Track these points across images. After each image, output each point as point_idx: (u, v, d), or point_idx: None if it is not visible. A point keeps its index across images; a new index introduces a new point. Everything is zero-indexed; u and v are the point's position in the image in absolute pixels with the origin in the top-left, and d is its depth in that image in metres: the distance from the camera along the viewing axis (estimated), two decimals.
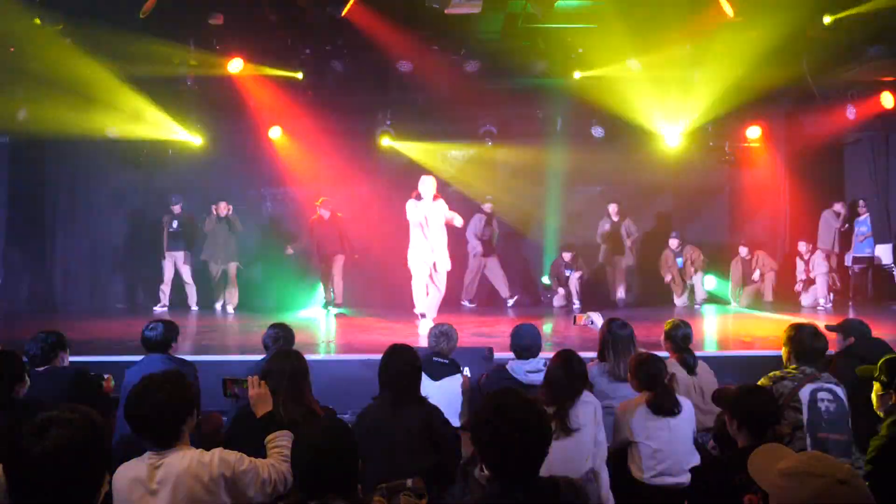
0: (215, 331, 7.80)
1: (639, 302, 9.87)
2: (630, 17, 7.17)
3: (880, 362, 3.19)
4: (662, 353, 4.20)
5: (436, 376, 4.05)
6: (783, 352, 3.69)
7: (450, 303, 8.11)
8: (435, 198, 7.30)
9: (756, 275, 9.88)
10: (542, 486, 2.08)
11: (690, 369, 4.20)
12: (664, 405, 3.51)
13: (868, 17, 6.79)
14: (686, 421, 3.56)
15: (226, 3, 6.64)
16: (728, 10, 6.34)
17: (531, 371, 4.05)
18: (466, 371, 4.35)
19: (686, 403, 3.63)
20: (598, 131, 9.75)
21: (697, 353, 4.39)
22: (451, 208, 7.28)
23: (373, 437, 3.13)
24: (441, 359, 4.26)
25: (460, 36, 7.51)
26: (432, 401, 3.45)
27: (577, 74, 7.95)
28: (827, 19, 6.59)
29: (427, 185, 7.27)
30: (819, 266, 9.70)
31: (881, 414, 3.13)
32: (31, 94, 8.15)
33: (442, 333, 4.44)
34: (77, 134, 8.87)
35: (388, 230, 10.25)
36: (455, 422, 3.83)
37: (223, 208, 9.43)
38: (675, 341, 4.34)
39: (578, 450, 3.30)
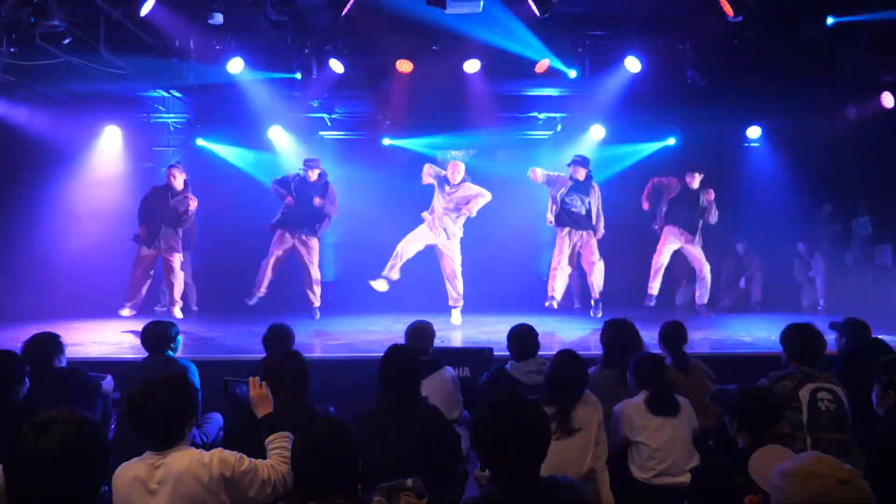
0: (216, 331, 7.80)
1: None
2: None
3: (880, 362, 3.20)
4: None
5: (421, 374, 4.02)
6: (782, 352, 3.70)
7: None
8: (460, 182, 7.68)
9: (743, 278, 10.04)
10: (543, 487, 2.09)
11: (683, 369, 4.20)
12: (663, 405, 3.52)
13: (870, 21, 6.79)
14: (686, 421, 3.57)
15: (226, 3, 6.63)
16: (729, 9, 6.33)
17: (531, 371, 4.05)
18: (462, 371, 4.33)
19: (685, 403, 3.63)
20: (598, 130, 9.77)
21: (697, 353, 4.40)
22: None
23: (373, 437, 3.12)
24: (421, 356, 4.22)
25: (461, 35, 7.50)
26: None
27: (576, 73, 7.93)
28: (830, 20, 6.57)
29: (454, 169, 7.70)
30: (819, 266, 9.71)
31: (881, 414, 3.13)
32: None
33: (414, 330, 4.42)
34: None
35: (388, 230, 10.26)
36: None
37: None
38: (668, 341, 4.35)
39: (579, 450, 3.30)
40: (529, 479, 2.07)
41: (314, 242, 7.94)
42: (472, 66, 7.79)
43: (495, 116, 9.60)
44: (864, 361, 3.86)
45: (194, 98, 9.21)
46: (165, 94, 9.06)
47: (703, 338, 6.67)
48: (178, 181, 7.74)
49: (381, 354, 3.40)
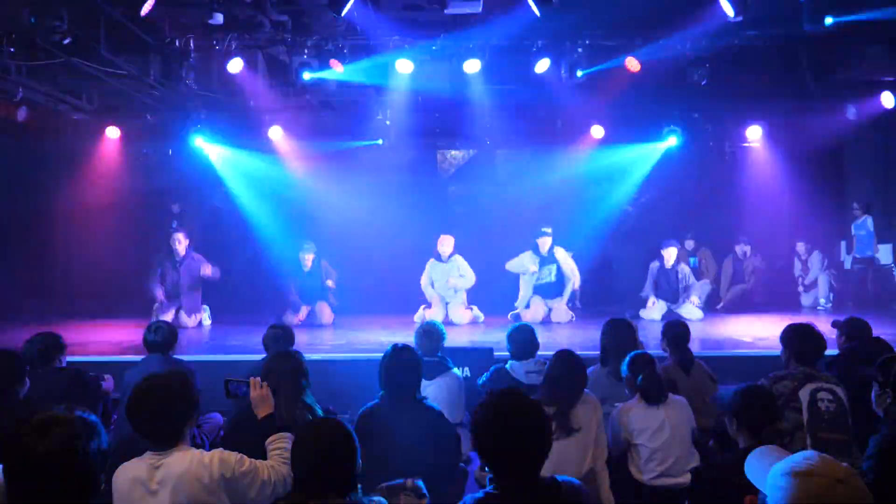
0: (216, 331, 7.82)
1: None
2: None
3: (878, 361, 3.20)
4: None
5: (428, 376, 4.02)
6: (782, 352, 3.70)
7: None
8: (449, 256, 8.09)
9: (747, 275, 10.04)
10: (543, 487, 2.08)
11: (686, 369, 4.20)
12: (652, 391, 3.53)
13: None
14: (685, 421, 3.57)
15: (226, 3, 6.63)
16: (729, 9, 6.32)
17: (531, 371, 4.05)
18: (462, 371, 4.33)
19: (684, 403, 3.63)
20: (598, 130, 9.76)
21: (697, 353, 4.40)
22: None
23: (373, 437, 3.12)
24: (430, 358, 4.23)
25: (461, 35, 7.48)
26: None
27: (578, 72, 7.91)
28: (829, 20, 6.55)
29: (443, 244, 8.08)
30: (818, 266, 9.71)
31: (880, 413, 3.13)
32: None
33: (424, 332, 4.40)
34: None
35: (388, 231, 10.27)
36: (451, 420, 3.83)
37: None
38: (670, 340, 4.35)
39: (579, 450, 3.30)
40: (530, 480, 2.07)
41: (326, 307, 8.29)
42: (471, 66, 7.77)
43: (495, 116, 9.60)
44: (864, 361, 3.86)
45: (194, 98, 9.18)
46: (165, 94, 9.04)
47: (703, 338, 6.67)
48: (182, 246, 8.04)
49: (381, 354, 3.40)
